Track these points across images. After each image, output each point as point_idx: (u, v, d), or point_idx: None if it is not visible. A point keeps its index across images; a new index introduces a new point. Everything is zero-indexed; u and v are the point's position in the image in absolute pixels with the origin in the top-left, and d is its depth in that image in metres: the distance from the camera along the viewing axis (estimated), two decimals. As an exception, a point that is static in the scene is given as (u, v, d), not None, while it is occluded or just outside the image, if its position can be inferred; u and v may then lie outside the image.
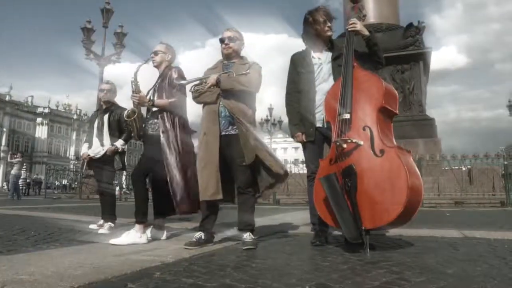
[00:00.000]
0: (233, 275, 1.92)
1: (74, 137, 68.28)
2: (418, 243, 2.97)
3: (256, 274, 1.94)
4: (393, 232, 3.45)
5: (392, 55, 13.07)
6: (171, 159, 3.13)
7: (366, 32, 2.86)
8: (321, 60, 3.06)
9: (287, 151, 69.05)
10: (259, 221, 5.02)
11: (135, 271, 1.99)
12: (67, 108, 74.02)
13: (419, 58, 13.26)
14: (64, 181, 22.84)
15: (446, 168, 11.48)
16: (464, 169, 11.78)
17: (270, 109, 32.23)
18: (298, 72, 3.07)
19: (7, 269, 1.99)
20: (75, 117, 71.81)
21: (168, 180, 3.11)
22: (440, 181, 10.78)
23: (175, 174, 3.12)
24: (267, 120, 32.20)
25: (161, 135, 3.17)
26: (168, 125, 3.18)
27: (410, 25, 13.79)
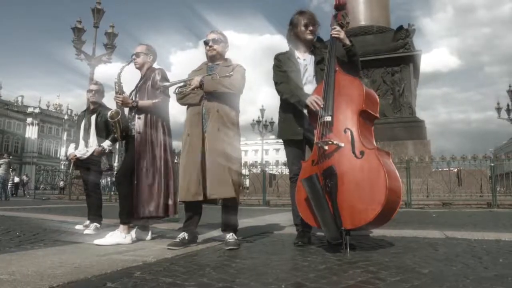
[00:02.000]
0: (212, 274, 1.94)
1: (65, 137, 67.66)
2: (399, 243, 3.03)
3: (234, 274, 1.97)
4: (376, 232, 3.50)
5: (382, 57, 13.22)
6: (141, 161, 3.16)
7: (348, 42, 2.92)
8: (306, 61, 3.10)
9: (279, 152, 69.28)
10: (247, 221, 5.07)
11: (116, 270, 2.01)
12: (57, 108, 73.50)
13: (409, 60, 13.39)
14: (61, 183, 22.67)
15: (435, 170, 11.61)
16: (455, 170, 11.90)
17: (262, 110, 32.26)
18: (283, 71, 3.06)
19: (-13, 269, 1.99)
20: (66, 117, 71.30)
21: (134, 182, 3.15)
22: (428, 183, 10.89)
23: (142, 176, 3.15)
24: (258, 122, 32.22)
25: (136, 135, 3.20)
26: (146, 126, 3.20)
27: (400, 27, 13.91)
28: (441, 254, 2.57)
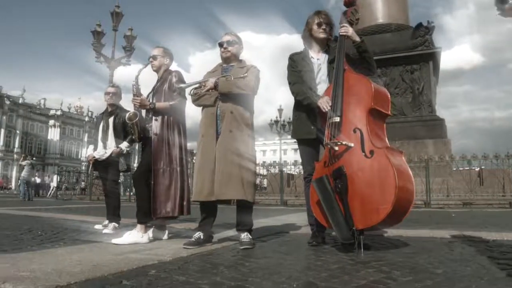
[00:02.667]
0: (225, 273, 1.98)
1: (86, 139, 69.00)
2: (415, 243, 3.00)
3: (247, 273, 1.99)
4: (392, 232, 3.48)
5: (401, 55, 13.06)
6: (158, 162, 3.22)
7: (357, 38, 2.91)
8: (320, 61, 3.10)
9: (297, 152, 68.83)
10: (263, 221, 5.09)
11: (131, 269, 2.07)
12: (78, 110, 75.10)
13: (429, 58, 13.18)
14: (82, 183, 23.19)
15: (456, 169, 11.40)
16: (476, 169, 11.66)
17: (280, 110, 32.21)
18: (298, 71, 3.08)
19: (10, 266, 2.08)
20: (86, 119, 72.76)
21: (152, 182, 3.21)
22: (449, 182, 10.71)
23: (158, 177, 3.21)
24: (276, 121, 32.19)
25: (153, 137, 3.26)
26: (162, 127, 3.26)
27: (420, 25, 13.70)
28: (457, 255, 2.54)
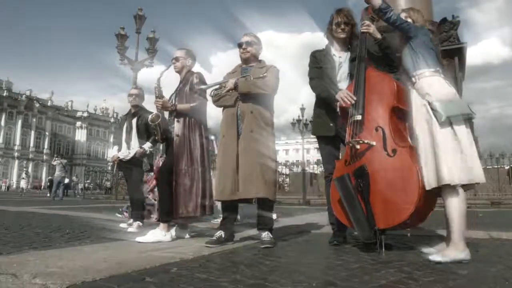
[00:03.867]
0: (245, 272, 2.00)
1: (111, 139, 70.55)
2: (438, 243, 2.94)
3: (267, 271, 2.01)
4: (415, 232, 3.42)
5: (425, 51, 12.77)
6: (180, 162, 3.27)
7: (378, 35, 2.87)
8: (341, 59, 3.09)
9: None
10: (286, 221, 5.11)
11: (154, 266, 2.12)
12: (104, 112, 76.86)
13: (454, 53, 12.82)
14: (107, 183, 23.74)
15: (484, 167, 11.09)
16: (506, 167, 11.32)
17: (302, 109, 32.08)
18: (319, 67, 3.08)
19: (40, 262, 2.16)
20: (112, 120, 74.34)
21: (174, 183, 3.26)
22: (476, 181, 10.41)
23: (180, 177, 3.26)
24: (299, 120, 32.08)
25: (175, 138, 3.32)
26: (184, 128, 3.32)
27: (444, 20, 13.38)
28: (482, 255, 2.49)
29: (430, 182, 2.30)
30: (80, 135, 70.46)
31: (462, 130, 2.31)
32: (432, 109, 2.33)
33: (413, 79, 2.50)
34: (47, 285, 1.71)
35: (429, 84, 2.43)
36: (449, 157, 2.25)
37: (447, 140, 2.28)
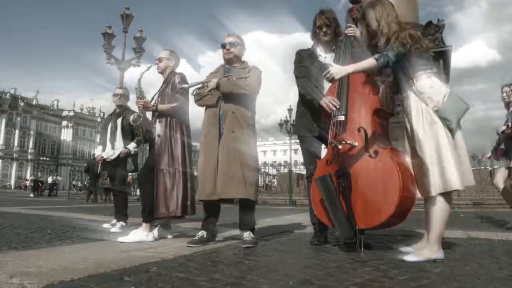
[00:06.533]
0: (224, 271, 2.02)
1: (98, 139, 69.51)
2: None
3: (245, 271, 2.03)
4: (396, 232, 3.47)
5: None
6: (161, 162, 3.27)
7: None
8: (327, 59, 3.12)
9: (307, 152, 68.57)
10: (269, 221, 5.13)
11: (134, 266, 2.12)
12: (91, 111, 75.91)
13: (439, 56, 13.03)
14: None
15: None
16: (490, 169, 11.51)
17: (290, 110, 32.16)
18: (305, 66, 3.11)
19: (19, 262, 2.15)
20: (98, 119, 73.47)
21: (154, 182, 3.26)
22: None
23: (161, 177, 3.25)
24: (286, 121, 32.15)
25: (156, 138, 3.32)
26: (166, 128, 3.31)
27: (429, 23, 13.56)
28: (457, 254, 2.55)
29: (436, 188, 2.29)
30: (66, 135, 69.49)
31: (459, 132, 2.34)
32: (440, 117, 2.30)
33: (410, 81, 2.44)
34: (24, 285, 1.70)
35: (429, 86, 2.39)
36: (455, 162, 2.26)
37: (451, 144, 2.29)
